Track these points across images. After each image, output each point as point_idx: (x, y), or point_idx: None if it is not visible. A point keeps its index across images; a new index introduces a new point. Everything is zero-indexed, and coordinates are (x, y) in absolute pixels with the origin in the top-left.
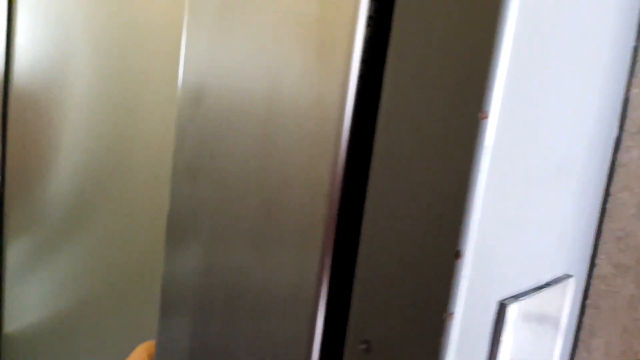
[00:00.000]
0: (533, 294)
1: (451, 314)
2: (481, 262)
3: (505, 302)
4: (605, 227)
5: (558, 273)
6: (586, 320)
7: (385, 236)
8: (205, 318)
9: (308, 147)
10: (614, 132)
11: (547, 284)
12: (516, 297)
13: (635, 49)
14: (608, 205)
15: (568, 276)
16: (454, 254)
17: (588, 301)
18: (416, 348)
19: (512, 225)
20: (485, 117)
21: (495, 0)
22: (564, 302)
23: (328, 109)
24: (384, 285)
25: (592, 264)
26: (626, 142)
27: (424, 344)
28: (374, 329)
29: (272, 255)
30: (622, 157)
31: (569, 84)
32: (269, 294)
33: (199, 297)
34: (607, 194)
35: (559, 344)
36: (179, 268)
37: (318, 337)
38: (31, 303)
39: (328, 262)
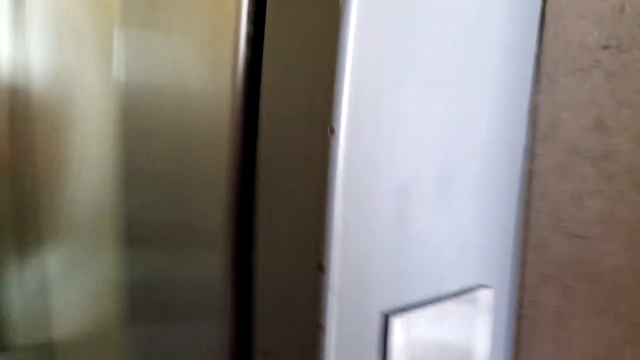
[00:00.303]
0: (429, 305)
1: (322, 326)
2: (352, 275)
3: (389, 314)
4: (527, 236)
5: (468, 283)
6: (523, 331)
7: (265, 245)
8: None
9: (206, 147)
10: (524, 141)
11: (454, 295)
12: (404, 309)
13: (538, 57)
14: (528, 215)
15: (484, 286)
16: (317, 267)
17: (522, 311)
18: None
19: (387, 238)
20: (333, 132)
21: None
22: (477, 313)
23: (220, 106)
24: (270, 297)
25: (523, 274)
26: (537, 150)
27: (306, 358)
28: (269, 341)
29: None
30: (535, 165)
31: (439, 97)
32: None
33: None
34: (526, 203)
35: (480, 354)
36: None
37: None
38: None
39: (231, 266)
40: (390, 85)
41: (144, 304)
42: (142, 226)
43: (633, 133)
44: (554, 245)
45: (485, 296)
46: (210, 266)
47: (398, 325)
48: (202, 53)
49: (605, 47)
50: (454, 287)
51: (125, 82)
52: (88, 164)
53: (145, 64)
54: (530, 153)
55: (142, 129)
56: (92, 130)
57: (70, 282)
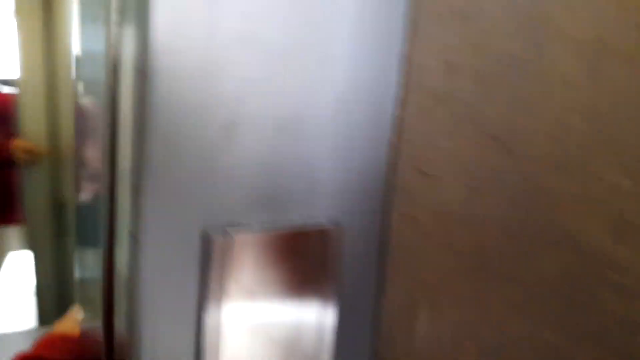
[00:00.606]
0: (261, 230)
1: (137, 239)
2: (172, 195)
3: (210, 232)
4: (394, 179)
5: (315, 218)
6: (386, 267)
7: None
8: None
9: None
10: (394, 88)
11: (294, 225)
12: (228, 227)
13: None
14: (395, 160)
15: (336, 224)
16: (134, 189)
17: (385, 249)
18: None
19: (213, 162)
20: (145, 76)
21: None
22: (327, 247)
23: None
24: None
25: (388, 216)
26: (406, 96)
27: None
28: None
29: None
30: (403, 111)
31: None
32: None
33: None
34: (394, 147)
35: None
36: None
37: None
38: None
39: None
40: (209, 34)
41: None
42: None
43: (476, 74)
44: (413, 186)
45: (335, 233)
46: None
47: (218, 243)
48: None
49: None
50: (297, 219)
51: None
52: None
53: None
54: (400, 100)
55: None
56: None
57: None
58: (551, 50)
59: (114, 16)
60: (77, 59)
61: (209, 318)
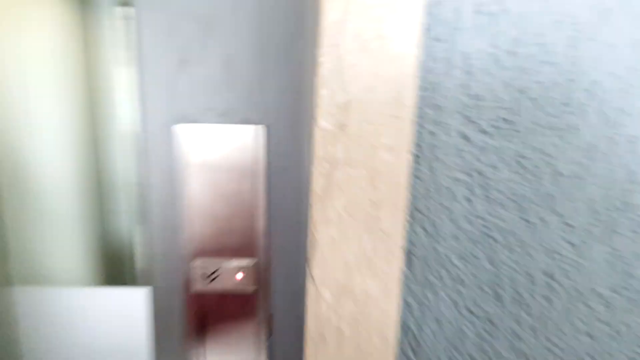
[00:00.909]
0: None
1: None
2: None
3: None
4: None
5: (251, 121)
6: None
7: None
8: None
9: None
10: None
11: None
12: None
13: None
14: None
15: (264, 126)
16: None
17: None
18: None
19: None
20: None
21: None
22: (257, 145)
23: None
24: None
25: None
26: None
27: None
28: None
29: None
30: None
31: None
32: None
33: None
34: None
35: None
36: None
37: None
38: None
39: None
40: None
41: None
42: None
43: None
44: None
45: (260, 132)
46: None
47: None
48: None
49: None
50: (236, 118)
51: None
52: None
53: None
54: None
55: None
56: None
57: None
58: None
59: None
60: None
61: None
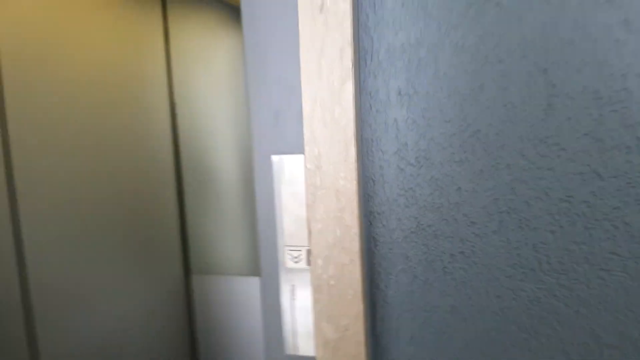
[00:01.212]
0: (293, 155)
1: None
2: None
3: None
4: None
5: None
6: None
7: None
8: None
9: None
10: None
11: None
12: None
13: None
14: None
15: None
16: None
17: None
18: None
19: None
20: None
21: None
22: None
23: None
24: None
25: None
26: None
27: None
28: None
29: None
30: None
31: None
32: None
33: None
34: None
35: None
36: None
37: None
38: None
39: None
40: None
41: None
42: None
43: None
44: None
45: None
46: None
47: (276, 163)
48: None
49: None
50: None
51: None
52: None
53: None
54: None
55: None
56: None
57: None
58: None
59: None
60: None
61: None
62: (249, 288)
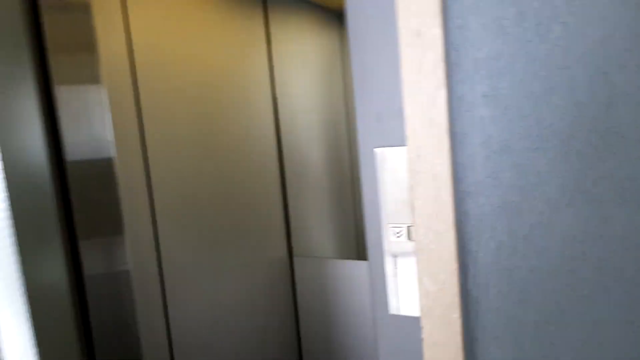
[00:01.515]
0: (392, 147)
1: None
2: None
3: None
4: None
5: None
6: None
7: None
8: None
9: None
10: None
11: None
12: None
13: None
14: None
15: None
16: None
17: None
18: None
19: None
20: None
21: None
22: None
23: None
24: None
25: None
26: None
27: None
28: None
29: None
30: None
31: None
32: None
33: None
34: None
35: None
36: None
37: None
38: None
39: None
40: None
41: None
42: None
43: None
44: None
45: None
46: None
47: (379, 155)
48: None
49: None
50: None
51: None
52: None
53: None
54: None
55: None
56: None
57: None
58: None
59: None
60: None
61: None
62: (346, 271)
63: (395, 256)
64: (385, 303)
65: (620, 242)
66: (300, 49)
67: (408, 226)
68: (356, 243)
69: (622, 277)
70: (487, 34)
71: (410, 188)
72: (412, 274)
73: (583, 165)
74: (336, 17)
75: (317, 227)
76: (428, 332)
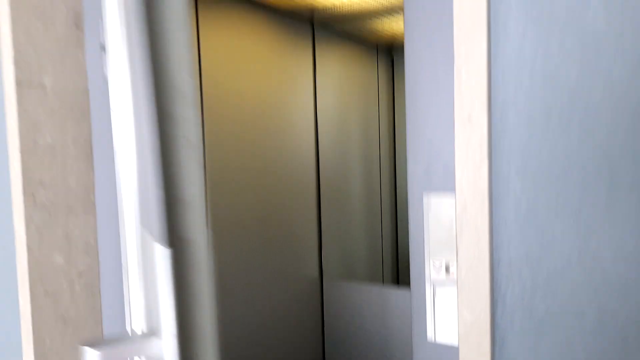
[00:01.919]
0: (436, 192)
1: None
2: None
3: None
4: None
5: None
6: None
7: None
8: None
9: None
10: None
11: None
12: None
13: None
14: None
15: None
16: None
17: None
18: None
19: None
20: None
21: None
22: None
23: None
24: None
25: None
26: None
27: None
28: None
29: None
30: None
31: None
32: None
33: None
34: None
35: None
36: None
37: None
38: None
39: None
40: None
41: None
42: None
43: None
44: None
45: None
46: None
47: (426, 199)
48: None
49: None
50: None
51: None
52: None
53: None
54: None
55: None
56: None
57: None
58: None
59: None
60: None
61: None
62: (372, 296)
63: (434, 285)
64: (424, 330)
65: (617, 292)
66: (341, 76)
67: (447, 261)
68: (382, 269)
69: (617, 321)
70: (519, 123)
71: (457, 234)
72: (448, 303)
73: (589, 231)
74: (374, 49)
75: (346, 252)
76: (463, 356)
